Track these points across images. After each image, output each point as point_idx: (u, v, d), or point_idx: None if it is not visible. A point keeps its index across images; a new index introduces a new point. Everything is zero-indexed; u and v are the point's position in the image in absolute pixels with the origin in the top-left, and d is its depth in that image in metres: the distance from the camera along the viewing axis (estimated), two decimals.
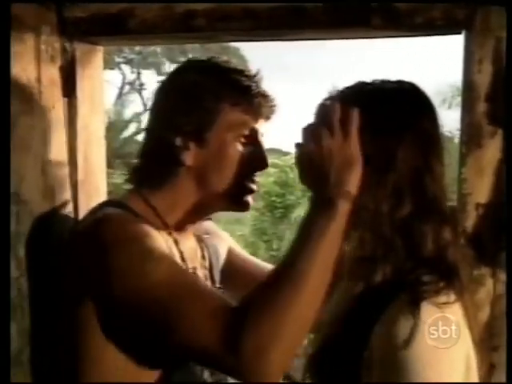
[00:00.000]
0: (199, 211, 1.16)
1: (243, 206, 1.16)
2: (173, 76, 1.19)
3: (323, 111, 0.98)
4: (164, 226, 1.12)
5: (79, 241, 1.05)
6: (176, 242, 1.14)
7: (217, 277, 1.29)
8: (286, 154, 10.94)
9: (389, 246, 0.92)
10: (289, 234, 10.77)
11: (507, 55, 1.19)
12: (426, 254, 0.92)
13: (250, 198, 1.15)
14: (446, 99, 11.39)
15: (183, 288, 0.97)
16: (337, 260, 0.93)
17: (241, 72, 1.12)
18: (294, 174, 10.74)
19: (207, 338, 0.91)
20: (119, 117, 15.60)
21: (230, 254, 1.36)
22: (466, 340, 0.88)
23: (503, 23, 1.18)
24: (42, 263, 1.28)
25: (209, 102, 1.09)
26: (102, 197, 1.55)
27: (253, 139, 1.13)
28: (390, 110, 0.94)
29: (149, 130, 1.18)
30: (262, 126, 1.15)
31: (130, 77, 16.43)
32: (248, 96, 1.11)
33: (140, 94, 16.50)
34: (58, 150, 1.38)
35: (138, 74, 16.39)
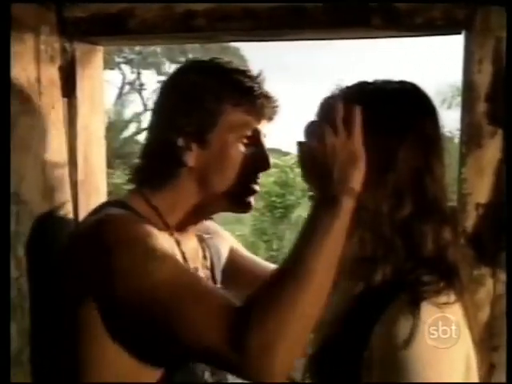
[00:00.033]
0: (201, 212, 1.16)
1: (245, 207, 1.16)
2: (175, 76, 1.18)
3: (326, 109, 0.98)
4: (165, 227, 1.12)
5: (82, 241, 1.05)
6: (178, 243, 1.14)
7: (218, 277, 1.29)
8: (286, 154, 10.94)
9: (389, 246, 0.92)
10: (289, 234, 10.77)
11: (507, 55, 1.19)
12: (426, 254, 0.93)
13: (251, 199, 1.15)
14: (445, 99, 11.40)
15: (187, 288, 0.97)
16: (341, 258, 0.93)
17: (243, 73, 1.12)
18: (293, 174, 10.74)
19: (212, 337, 0.91)
20: (119, 117, 15.60)
21: (232, 253, 1.36)
22: (466, 340, 0.88)
23: (503, 23, 1.18)
24: (41, 263, 1.28)
25: (211, 102, 1.09)
26: (101, 197, 1.55)
27: (255, 140, 1.13)
28: (392, 110, 0.94)
29: (151, 130, 1.18)
30: (264, 127, 1.14)
31: (130, 77, 16.43)
32: (250, 97, 1.10)
33: (140, 94, 16.50)
34: (57, 150, 1.38)
35: (138, 74, 16.38)
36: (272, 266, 1.37)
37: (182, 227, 1.16)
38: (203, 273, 1.22)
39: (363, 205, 0.93)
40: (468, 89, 1.24)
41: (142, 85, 16.49)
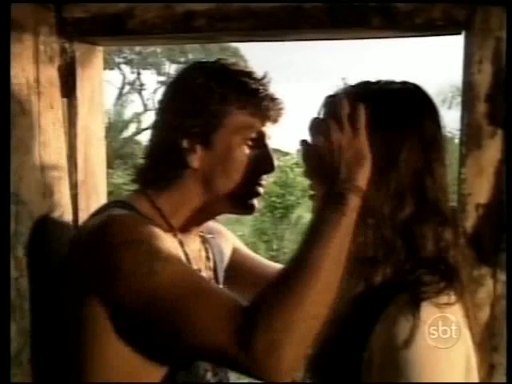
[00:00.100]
0: (204, 213, 1.16)
1: (248, 209, 1.16)
2: (180, 77, 1.18)
3: (330, 106, 0.98)
4: (169, 228, 1.12)
5: (86, 241, 1.05)
6: (181, 244, 1.14)
7: (221, 277, 1.29)
8: (286, 154, 10.94)
9: (390, 246, 0.92)
10: (289, 235, 10.77)
11: (507, 55, 1.19)
12: (426, 255, 0.93)
13: (255, 201, 1.15)
14: (446, 99, 11.41)
15: (193, 288, 0.97)
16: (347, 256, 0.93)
17: (248, 74, 1.12)
18: (293, 174, 10.74)
19: (220, 337, 0.91)
20: (119, 117, 15.62)
21: (235, 253, 1.36)
22: (466, 340, 0.88)
23: (503, 23, 1.18)
24: (41, 263, 1.28)
25: (216, 104, 1.09)
26: (101, 197, 1.55)
27: (260, 142, 1.13)
28: (394, 110, 0.94)
29: (155, 130, 1.17)
30: (269, 129, 1.14)
31: (130, 77, 16.46)
32: (255, 99, 1.10)
33: (140, 94, 16.52)
34: (57, 150, 1.37)
35: (138, 74, 16.41)
36: (274, 266, 1.37)
37: (185, 228, 1.16)
38: (206, 274, 1.22)
39: (365, 205, 0.93)
40: (468, 89, 1.24)
41: (141, 85, 16.53)
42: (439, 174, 0.94)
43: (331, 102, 0.98)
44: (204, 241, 1.26)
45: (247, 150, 1.12)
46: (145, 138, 14.71)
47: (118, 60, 15.49)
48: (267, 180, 1.16)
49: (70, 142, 1.43)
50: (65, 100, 1.41)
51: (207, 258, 1.26)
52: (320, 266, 0.91)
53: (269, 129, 1.14)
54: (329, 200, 0.94)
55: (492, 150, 1.22)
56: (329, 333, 0.95)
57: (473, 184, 1.23)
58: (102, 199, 1.55)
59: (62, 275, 1.10)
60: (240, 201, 1.14)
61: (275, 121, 1.15)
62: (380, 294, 0.90)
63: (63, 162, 1.40)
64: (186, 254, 1.15)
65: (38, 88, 1.31)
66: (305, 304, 0.90)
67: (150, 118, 15.57)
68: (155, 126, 1.18)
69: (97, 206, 1.36)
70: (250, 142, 1.12)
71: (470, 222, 1.23)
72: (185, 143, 1.10)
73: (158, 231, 1.03)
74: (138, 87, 16.52)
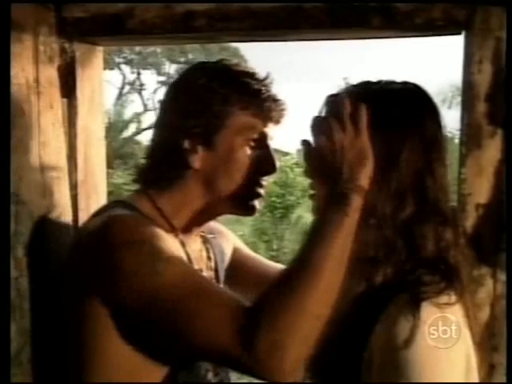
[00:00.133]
0: (205, 214, 1.16)
1: (250, 210, 1.15)
2: (182, 78, 1.18)
3: (333, 105, 0.98)
4: (170, 228, 1.12)
5: (88, 241, 1.05)
6: (182, 244, 1.14)
7: (222, 277, 1.29)
8: (286, 154, 10.94)
9: (391, 246, 0.92)
10: (289, 235, 10.77)
11: (507, 55, 1.19)
12: (426, 255, 0.92)
13: (256, 203, 1.15)
14: (446, 99, 11.41)
15: (196, 289, 0.97)
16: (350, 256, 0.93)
17: (251, 75, 1.11)
18: (293, 174, 10.74)
19: (222, 337, 0.91)
20: (119, 117, 15.61)
21: (235, 253, 1.36)
22: (466, 340, 0.88)
23: (503, 23, 1.18)
24: (41, 263, 1.28)
25: (218, 105, 1.09)
26: (101, 197, 1.55)
27: (261, 143, 1.13)
28: (395, 110, 0.94)
29: (156, 130, 1.17)
30: (271, 130, 1.14)
31: (130, 77, 16.46)
32: (257, 100, 1.10)
33: (140, 94, 16.52)
34: (56, 150, 1.37)
35: (138, 74, 16.40)
36: (275, 266, 1.37)
37: (186, 228, 1.16)
38: (207, 274, 1.22)
39: (367, 204, 0.92)
40: (468, 89, 1.24)
41: (141, 85, 16.53)
42: (440, 174, 0.94)
43: (333, 102, 0.98)
44: (205, 241, 1.26)
45: (249, 151, 1.11)
46: (145, 138, 14.74)
47: (117, 60, 15.49)
48: (267, 180, 1.16)
49: (70, 142, 1.43)
50: (65, 100, 1.41)
51: (208, 258, 1.26)
52: (323, 267, 0.91)
53: (271, 130, 1.14)
54: (331, 200, 0.94)
55: (492, 150, 1.22)
56: (329, 333, 0.95)
57: (473, 184, 1.23)
58: (101, 199, 1.55)
59: (64, 275, 1.10)
60: (241, 202, 1.14)
61: (277, 122, 1.15)
62: (380, 294, 0.90)
63: (63, 162, 1.40)
64: (188, 255, 1.14)
65: (38, 88, 1.31)
66: (307, 304, 0.90)
67: (149, 118, 15.60)
68: (157, 126, 1.18)
69: (97, 206, 1.36)
70: (251, 143, 1.12)
71: (469, 221, 1.23)
72: (186, 144, 1.10)
73: (160, 231, 1.04)
74: (137, 87, 16.52)
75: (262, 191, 1.15)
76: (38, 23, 1.32)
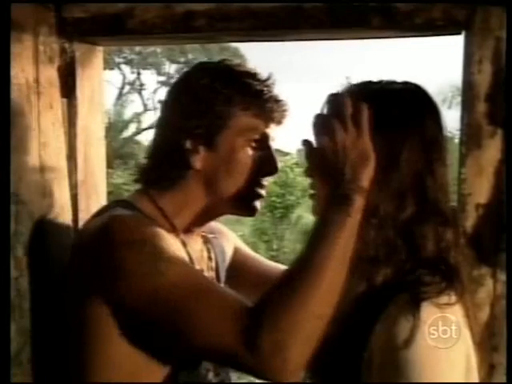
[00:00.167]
0: (206, 214, 1.16)
1: (251, 211, 1.16)
2: (184, 78, 1.18)
3: (334, 104, 0.97)
4: (171, 228, 1.12)
5: (89, 241, 1.05)
6: (184, 244, 1.14)
7: (222, 277, 1.29)
8: (286, 154, 10.94)
9: (392, 246, 0.92)
10: (289, 234, 10.77)
11: (507, 55, 1.19)
12: (427, 255, 0.92)
13: (257, 203, 1.15)
14: (446, 99, 11.41)
15: (198, 288, 0.97)
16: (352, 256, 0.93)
17: (253, 76, 1.11)
18: (293, 174, 10.74)
19: (225, 337, 0.91)
20: (119, 117, 15.62)
21: (236, 253, 1.36)
22: (466, 340, 0.88)
23: (503, 23, 1.18)
24: (41, 263, 1.28)
25: (220, 105, 1.09)
26: (101, 197, 1.55)
27: (263, 144, 1.13)
28: (395, 110, 0.94)
29: (158, 130, 1.17)
30: (272, 131, 1.14)
31: (130, 77, 16.46)
32: (259, 100, 1.10)
33: (140, 94, 16.52)
34: (56, 150, 1.37)
35: (138, 74, 16.40)
36: (275, 266, 1.37)
37: (187, 228, 1.16)
38: (208, 274, 1.23)
39: (368, 204, 0.92)
40: (468, 89, 1.24)
41: (141, 85, 16.53)
42: (440, 174, 0.94)
43: (335, 101, 0.98)
44: (206, 241, 1.26)
45: (250, 152, 1.11)
46: (145, 137, 14.74)
47: (117, 60, 15.49)
48: (268, 181, 1.16)
49: (70, 142, 1.43)
50: (64, 100, 1.41)
51: (209, 258, 1.26)
52: (325, 267, 0.91)
53: (272, 130, 1.14)
54: (333, 201, 0.94)
55: (492, 150, 1.22)
56: (329, 332, 0.95)
57: (473, 184, 1.23)
58: (101, 199, 1.55)
59: (65, 276, 1.10)
60: (242, 202, 1.13)
61: (279, 122, 1.15)
62: (380, 294, 0.90)
63: (63, 162, 1.40)
64: (189, 255, 1.14)
65: (38, 88, 1.31)
66: (310, 304, 0.90)
67: (149, 118, 15.60)
68: (159, 126, 1.18)
69: (97, 206, 1.36)
70: (253, 144, 1.12)
71: (469, 221, 1.23)
72: (188, 144, 1.10)
73: (161, 231, 1.04)
74: (137, 87, 16.52)
75: (263, 192, 1.15)
76: (38, 23, 1.32)
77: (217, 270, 1.27)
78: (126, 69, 16.17)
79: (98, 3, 1.36)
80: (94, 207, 1.42)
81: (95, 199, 1.51)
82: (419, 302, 0.85)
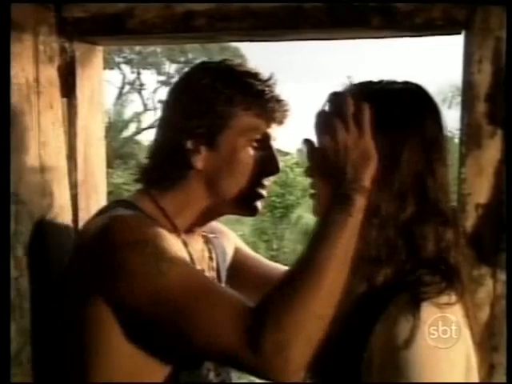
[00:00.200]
0: (208, 214, 1.16)
1: (252, 211, 1.16)
2: (185, 78, 1.18)
3: (336, 104, 0.97)
4: (173, 228, 1.12)
5: (90, 241, 1.04)
6: (185, 244, 1.14)
7: (223, 277, 1.29)
8: (286, 154, 10.94)
9: (392, 246, 0.92)
10: (288, 234, 10.78)
11: (507, 55, 1.19)
12: (427, 255, 0.92)
13: (258, 203, 1.15)
14: (445, 99, 11.40)
15: (200, 289, 0.97)
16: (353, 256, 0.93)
17: (254, 76, 1.11)
18: (293, 174, 10.75)
19: (228, 338, 0.91)
20: (119, 117, 15.62)
21: (237, 253, 1.36)
22: (466, 340, 0.88)
23: (503, 23, 1.18)
24: (41, 263, 1.28)
25: (221, 105, 1.09)
26: (101, 197, 1.55)
27: (264, 144, 1.12)
28: (396, 110, 0.94)
29: (159, 130, 1.17)
30: (274, 131, 1.14)
31: (130, 77, 16.46)
32: (261, 100, 1.10)
33: (140, 93, 16.52)
34: (56, 150, 1.37)
35: (138, 73, 16.40)
36: (275, 266, 1.37)
37: (189, 229, 1.16)
38: (209, 274, 1.22)
39: (369, 204, 0.92)
40: (468, 89, 1.24)
41: (141, 85, 16.53)
42: (440, 174, 0.94)
43: (337, 100, 0.98)
44: (207, 241, 1.26)
45: (252, 152, 1.11)
46: (145, 137, 14.74)
47: (117, 60, 15.49)
48: (269, 181, 1.16)
49: (70, 142, 1.43)
50: (64, 100, 1.41)
51: (210, 258, 1.26)
52: (327, 267, 0.91)
53: (274, 130, 1.14)
54: (335, 201, 0.94)
55: (492, 150, 1.22)
56: (330, 332, 0.95)
57: (472, 184, 1.23)
58: (101, 199, 1.55)
59: (66, 276, 1.10)
60: (244, 202, 1.13)
61: (280, 122, 1.14)
62: (381, 294, 0.90)
63: (63, 161, 1.40)
64: (190, 255, 1.14)
65: (38, 88, 1.31)
66: (311, 304, 0.90)
67: (149, 118, 15.59)
68: (160, 126, 1.18)
69: (97, 206, 1.36)
70: (254, 144, 1.11)
71: (469, 221, 1.23)
72: (189, 144, 1.10)
73: (163, 231, 1.04)
74: (137, 87, 16.52)
75: (264, 192, 1.15)
76: (38, 23, 1.32)
77: (218, 270, 1.27)
78: (125, 68, 16.18)
79: (98, 3, 1.36)
80: (94, 207, 1.42)
81: (95, 199, 1.51)
82: (419, 302, 0.85)
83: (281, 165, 1.16)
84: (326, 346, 0.94)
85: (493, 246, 1.22)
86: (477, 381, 0.89)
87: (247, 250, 1.40)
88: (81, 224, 1.39)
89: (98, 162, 1.54)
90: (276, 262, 1.44)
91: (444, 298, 0.86)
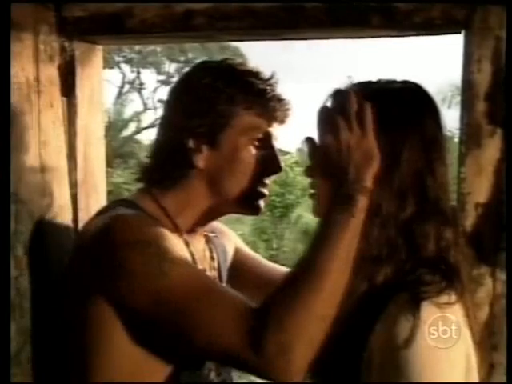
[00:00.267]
0: (209, 214, 1.16)
1: (254, 210, 1.15)
2: (186, 77, 1.18)
3: (339, 102, 0.97)
4: (174, 228, 1.12)
5: (91, 241, 1.04)
6: (187, 244, 1.14)
7: (224, 276, 1.29)
8: (286, 153, 10.94)
9: (393, 246, 0.92)
10: (288, 234, 10.78)
11: (507, 55, 1.19)
12: (427, 255, 0.92)
13: (261, 202, 1.15)
14: (445, 98, 11.39)
15: (202, 289, 0.97)
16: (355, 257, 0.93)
17: (255, 75, 1.11)
18: (293, 174, 10.75)
19: (230, 338, 0.91)
20: (119, 116, 15.62)
21: (237, 253, 1.36)
22: (466, 340, 0.88)
23: (503, 23, 1.18)
24: (41, 263, 1.28)
25: (222, 104, 1.09)
26: (101, 196, 1.55)
27: (266, 143, 1.12)
28: (395, 109, 0.94)
29: (161, 130, 1.17)
30: (275, 130, 1.14)
31: (130, 76, 16.45)
32: (262, 99, 1.10)
33: (140, 93, 16.51)
34: (56, 149, 1.37)
35: (138, 73, 16.40)
36: (275, 267, 1.37)
37: (190, 228, 1.16)
38: (210, 273, 1.22)
39: (371, 204, 0.92)
40: (467, 88, 1.24)
41: (141, 84, 16.52)
42: (440, 174, 0.94)
43: (340, 98, 0.97)
44: (208, 240, 1.26)
45: (253, 151, 1.11)
46: (145, 136, 14.74)
47: (117, 59, 15.48)
48: (270, 180, 1.16)
49: (70, 141, 1.43)
50: (64, 99, 1.41)
51: (211, 257, 1.26)
52: (328, 268, 0.91)
53: (275, 129, 1.14)
54: (337, 201, 0.94)
55: (491, 149, 1.22)
56: (330, 332, 0.95)
57: (472, 183, 1.23)
58: (101, 198, 1.55)
59: (66, 276, 1.10)
60: (246, 202, 1.13)
61: (282, 121, 1.14)
62: (381, 294, 0.90)
63: (63, 161, 1.40)
64: (192, 254, 1.14)
65: (38, 87, 1.31)
66: (314, 305, 0.90)
67: (149, 117, 15.59)
68: (161, 126, 1.18)
69: (97, 206, 1.36)
70: (256, 143, 1.11)
71: (469, 221, 1.23)
72: (191, 143, 1.10)
73: (165, 231, 1.03)
74: (137, 86, 16.51)
75: (266, 191, 1.15)
76: (38, 22, 1.32)
77: (219, 270, 1.27)
78: (125, 68, 16.18)
79: (98, 3, 1.36)
80: (94, 206, 1.42)
81: (95, 198, 1.51)
82: (419, 301, 0.85)
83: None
84: (327, 345, 0.94)
85: (492, 246, 1.22)
86: (477, 381, 0.89)
87: (247, 250, 1.40)
88: (81, 223, 1.39)
89: (98, 162, 1.54)
90: (276, 261, 1.45)
91: (444, 298, 0.86)
